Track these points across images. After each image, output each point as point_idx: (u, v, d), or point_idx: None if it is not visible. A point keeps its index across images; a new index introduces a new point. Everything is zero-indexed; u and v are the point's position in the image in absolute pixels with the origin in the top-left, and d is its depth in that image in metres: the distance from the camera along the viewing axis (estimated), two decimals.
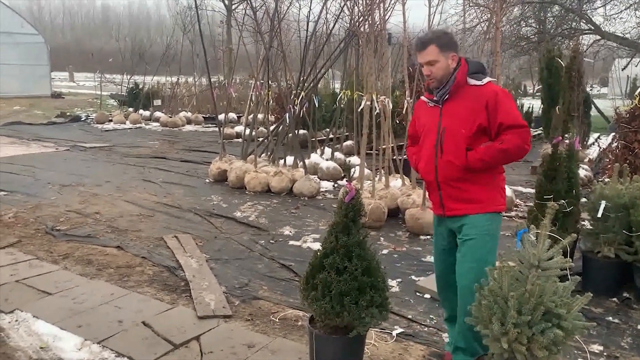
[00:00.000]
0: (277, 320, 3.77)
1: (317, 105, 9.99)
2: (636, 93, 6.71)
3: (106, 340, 3.35)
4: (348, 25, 8.43)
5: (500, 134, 2.80)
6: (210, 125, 16.16)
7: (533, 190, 4.87)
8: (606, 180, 4.68)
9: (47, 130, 13.97)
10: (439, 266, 3.18)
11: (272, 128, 9.33)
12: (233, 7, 18.84)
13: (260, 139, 9.39)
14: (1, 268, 4.48)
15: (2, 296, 3.94)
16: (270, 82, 8.81)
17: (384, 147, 6.91)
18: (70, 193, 7.25)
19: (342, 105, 9.99)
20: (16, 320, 3.60)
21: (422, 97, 3.09)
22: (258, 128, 10.24)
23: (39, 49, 21.95)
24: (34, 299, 3.92)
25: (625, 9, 16.39)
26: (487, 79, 2.86)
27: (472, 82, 2.85)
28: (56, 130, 13.93)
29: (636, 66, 15.98)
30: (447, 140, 2.86)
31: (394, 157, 7.18)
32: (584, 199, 5.24)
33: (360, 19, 7.18)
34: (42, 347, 3.27)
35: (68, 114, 17.13)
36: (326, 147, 9.72)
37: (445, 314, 3.28)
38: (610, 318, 3.90)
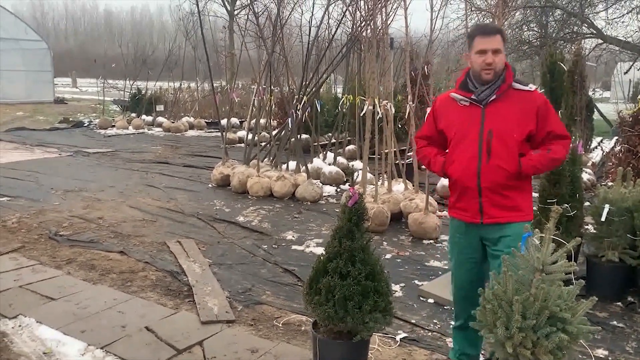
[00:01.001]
0: (280, 325, 3.76)
1: (319, 110, 10.00)
2: (639, 97, 6.70)
3: (109, 346, 3.35)
4: (350, 30, 8.45)
5: (547, 143, 2.75)
6: (212, 130, 16.17)
7: (536, 195, 4.85)
8: (610, 184, 4.67)
9: (50, 135, 14.01)
10: (463, 276, 2.99)
11: (274, 133, 9.34)
12: (235, 12, 18.91)
13: (263, 144, 9.39)
14: (5, 273, 4.49)
15: (5, 301, 3.94)
16: (272, 87, 8.82)
17: (386, 151, 6.91)
18: (74, 198, 7.27)
19: (344, 110, 10.00)
20: (20, 326, 3.60)
21: (452, 94, 2.87)
22: (260, 133, 10.25)
23: (43, 55, 22.05)
24: (37, 304, 3.92)
25: (627, 13, 16.40)
26: (532, 86, 2.79)
27: (518, 86, 2.75)
28: (59, 136, 13.97)
29: (638, 70, 15.95)
30: (496, 144, 2.71)
31: (397, 162, 7.18)
32: (587, 203, 5.23)
33: (362, 24, 7.21)
34: (45, 353, 3.27)
35: (71, 119, 17.18)
36: (329, 152, 9.72)
37: (457, 322, 3.12)
38: (615, 322, 3.88)
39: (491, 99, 2.73)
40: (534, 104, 2.72)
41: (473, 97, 2.77)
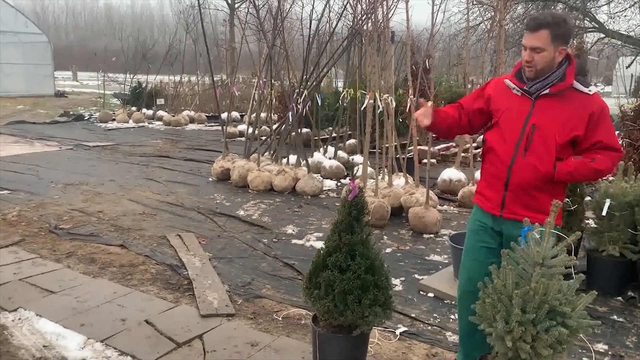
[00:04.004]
0: (280, 318, 3.76)
1: (320, 104, 9.97)
2: None
3: (109, 339, 3.35)
4: (351, 23, 8.41)
5: (592, 151, 2.56)
6: (213, 124, 16.15)
7: None
8: (611, 178, 4.66)
9: (50, 129, 14.00)
10: (474, 267, 2.79)
11: (275, 127, 9.32)
12: (236, 5, 18.83)
13: (263, 138, 9.37)
14: (5, 266, 4.49)
15: (5, 294, 3.94)
16: (273, 80, 8.79)
17: (387, 145, 6.89)
18: (74, 192, 7.26)
19: (345, 104, 9.97)
20: (19, 319, 3.60)
21: (506, 81, 2.72)
22: (261, 127, 10.24)
23: (43, 49, 22.00)
24: (37, 298, 3.92)
25: (629, 7, 16.31)
26: (593, 89, 2.58)
27: (578, 86, 2.56)
28: (60, 130, 13.95)
29: None
30: (536, 140, 2.56)
31: (397, 156, 7.16)
32: (588, 198, 5.22)
33: (363, 17, 7.17)
34: (45, 346, 3.27)
35: (71, 113, 17.15)
36: (329, 146, 9.70)
37: (461, 322, 2.92)
38: (615, 317, 3.88)
39: (543, 92, 2.58)
40: (588, 109, 2.52)
41: (525, 87, 2.63)
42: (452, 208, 6.97)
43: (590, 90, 2.57)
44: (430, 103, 2.85)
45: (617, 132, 8.55)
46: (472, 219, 2.88)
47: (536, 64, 2.52)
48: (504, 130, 2.67)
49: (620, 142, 6.57)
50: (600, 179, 2.68)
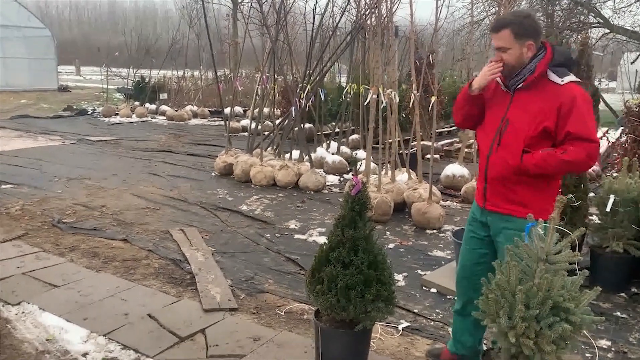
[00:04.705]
0: (282, 313, 3.76)
1: (323, 99, 9.96)
2: None
3: (112, 333, 3.36)
4: (354, 18, 8.38)
5: (566, 143, 2.52)
6: (216, 119, 16.15)
7: None
8: (615, 174, 4.64)
9: (54, 123, 14.02)
10: (465, 255, 2.97)
11: (278, 122, 9.31)
12: (239, 0, 18.80)
13: (266, 133, 9.37)
14: (8, 260, 4.50)
15: (9, 288, 3.95)
16: (276, 75, 8.78)
17: (390, 141, 6.88)
18: (77, 186, 7.27)
19: (348, 99, 9.95)
20: (23, 312, 3.61)
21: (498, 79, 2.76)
22: (264, 122, 10.23)
23: (46, 43, 22.00)
24: (40, 291, 3.93)
25: (635, 2, 16.22)
26: (568, 78, 2.56)
27: (553, 77, 2.57)
28: (63, 124, 13.97)
29: None
30: (507, 134, 2.62)
31: (401, 151, 7.14)
32: (592, 194, 5.20)
33: (367, 12, 7.14)
34: (48, 339, 3.28)
35: (75, 107, 17.16)
36: (332, 141, 9.69)
37: (457, 305, 3.07)
38: (619, 313, 3.87)
39: (518, 86, 2.63)
40: (558, 99, 2.51)
41: (506, 82, 2.69)
42: (455, 204, 6.95)
43: (562, 81, 2.55)
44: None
45: (620, 128, 8.48)
46: (471, 210, 3.01)
47: (506, 62, 2.60)
48: (486, 124, 2.79)
49: (625, 139, 6.57)
50: (583, 171, 2.64)
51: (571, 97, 2.51)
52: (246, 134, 10.52)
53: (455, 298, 3.18)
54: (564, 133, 2.52)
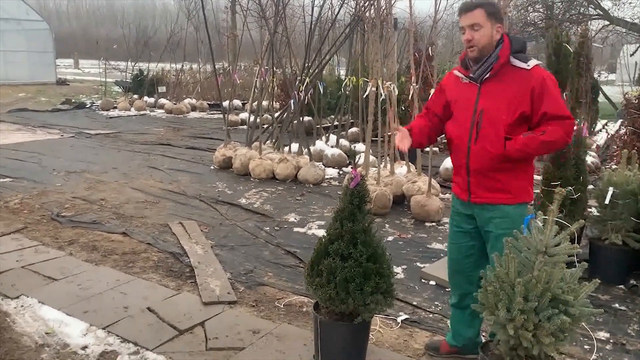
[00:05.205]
0: (282, 306, 3.77)
1: (322, 92, 9.93)
2: None
3: (111, 326, 3.37)
4: (353, 10, 8.34)
5: (542, 124, 2.59)
6: (215, 112, 16.10)
7: (540, 177, 4.82)
8: (614, 166, 4.63)
9: (52, 117, 13.99)
10: (453, 250, 2.99)
11: (276, 115, 9.29)
12: None
13: (265, 126, 9.35)
14: (7, 254, 4.50)
15: (8, 282, 3.95)
16: (274, 68, 8.75)
17: (389, 134, 6.86)
18: (76, 180, 7.26)
19: (347, 92, 9.92)
20: (22, 306, 3.62)
21: (455, 72, 2.84)
22: (263, 115, 10.20)
23: (44, 36, 21.88)
24: (39, 285, 3.94)
25: None
26: (533, 62, 2.62)
27: (517, 63, 2.62)
28: (62, 117, 13.94)
29: None
30: (485, 125, 2.64)
31: None
32: (591, 186, 5.20)
33: (366, 4, 7.11)
34: (47, 333, 3.29)
35: (73, 100, 17.12)
36: (331, 134, 9.68)
37: (453, 299, 3.10)
38: (617, 305, 3.88)
39: (486, 77, 2.66)
40: (529, 84, 2.57)
41: (470, 75, 2.72)
42: None
43: (529, 65, 2.61)
44: (399, 126, 3.03)
45: (620, 121, 8.48)
46: (452, 205, 3.02)
47: (477, 42, 2.61)
48: (457, 119, 2.80)
49: (624, 131, 6.56)
50: (562, 149, 2.73)
51: (541, 80, 2.58)
52: (245, 127, 10.50)
53: (450, 292, 3.20)
54: (540, 114, 2.59)
